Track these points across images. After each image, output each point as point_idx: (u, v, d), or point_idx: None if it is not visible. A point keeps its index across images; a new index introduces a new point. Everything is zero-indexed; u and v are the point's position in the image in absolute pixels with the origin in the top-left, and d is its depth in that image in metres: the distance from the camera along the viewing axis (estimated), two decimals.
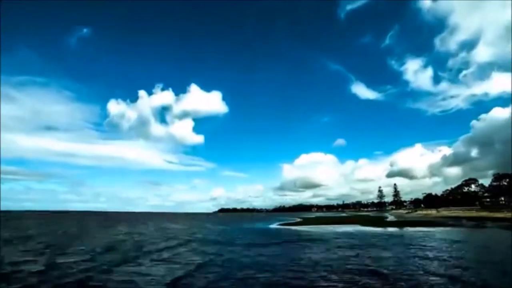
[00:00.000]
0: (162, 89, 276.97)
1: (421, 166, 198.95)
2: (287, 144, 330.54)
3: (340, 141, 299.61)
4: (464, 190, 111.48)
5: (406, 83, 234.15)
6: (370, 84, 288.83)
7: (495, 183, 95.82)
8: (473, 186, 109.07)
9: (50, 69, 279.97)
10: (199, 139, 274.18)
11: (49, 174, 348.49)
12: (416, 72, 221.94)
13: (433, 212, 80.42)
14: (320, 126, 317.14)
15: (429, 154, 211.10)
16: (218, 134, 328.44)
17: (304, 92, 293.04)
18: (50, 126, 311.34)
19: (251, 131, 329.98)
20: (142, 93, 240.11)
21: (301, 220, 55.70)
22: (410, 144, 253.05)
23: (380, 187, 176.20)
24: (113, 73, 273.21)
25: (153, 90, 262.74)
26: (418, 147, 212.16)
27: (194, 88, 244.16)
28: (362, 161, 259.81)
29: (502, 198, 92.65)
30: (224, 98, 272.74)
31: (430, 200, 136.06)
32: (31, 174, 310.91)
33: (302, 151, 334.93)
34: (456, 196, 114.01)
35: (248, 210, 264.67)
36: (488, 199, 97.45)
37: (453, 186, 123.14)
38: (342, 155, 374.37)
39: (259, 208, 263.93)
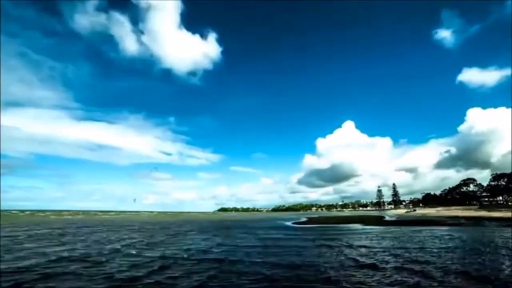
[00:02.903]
0: None
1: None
2: (318, 118, 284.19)
3: (385, 120, 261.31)
4: (462, 190, 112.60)
5: None
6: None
7: (493, 183, 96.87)
8: (471, 185, 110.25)
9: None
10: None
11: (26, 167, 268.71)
12: None
13: (431, 211, 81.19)
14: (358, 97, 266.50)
15: None
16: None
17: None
18: (13, 101, 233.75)
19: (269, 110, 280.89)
20: None
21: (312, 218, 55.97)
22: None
23: (379, 186, 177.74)
24: None
25: None
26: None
27: None
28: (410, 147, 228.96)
29: (500, 198, 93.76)
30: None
31: (428, 200, 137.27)
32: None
33: (328, 131, 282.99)
34: (454, 196, 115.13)
35: (248, 209, 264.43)
36: (486, 199, 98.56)
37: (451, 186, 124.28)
38: (390, 136, 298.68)
39: (259, 207, 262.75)
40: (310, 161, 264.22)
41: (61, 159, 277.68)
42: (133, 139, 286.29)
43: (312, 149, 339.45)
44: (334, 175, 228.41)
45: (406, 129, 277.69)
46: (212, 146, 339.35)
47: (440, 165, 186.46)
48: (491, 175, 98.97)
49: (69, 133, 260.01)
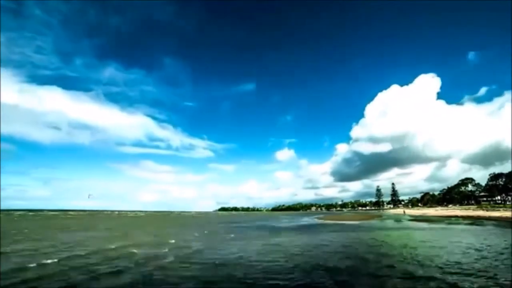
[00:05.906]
0: None
1: None
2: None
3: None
4: (461, 189, 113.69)
5: None
6: None
7: (491, 183, 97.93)
8: (469, 185, 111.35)
9: None
10: None
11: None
12: None
13: (430, 210, 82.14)
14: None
15: None
16: None
17: None
18: None
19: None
20: None
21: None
22: None
23: (378, 186, 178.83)
24: None
25: None
26: None
27: None
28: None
29: (498, 197, 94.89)
30: None
31: (427, 199, 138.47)
32: None
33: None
34: (453, 195, 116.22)
35: (248, 209, 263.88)
36: (484, 198, 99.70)
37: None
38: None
39: (260, 207, 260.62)
40: (345, 147, 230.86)
41: (26, 143, 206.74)
42: (118, 116, 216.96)
43: (349, 126, 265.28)
44: (373, 164, 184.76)
45: None
46: (220, 132, 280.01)
47: None
48: (489, 175, 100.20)
49: (32, 104, 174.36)
